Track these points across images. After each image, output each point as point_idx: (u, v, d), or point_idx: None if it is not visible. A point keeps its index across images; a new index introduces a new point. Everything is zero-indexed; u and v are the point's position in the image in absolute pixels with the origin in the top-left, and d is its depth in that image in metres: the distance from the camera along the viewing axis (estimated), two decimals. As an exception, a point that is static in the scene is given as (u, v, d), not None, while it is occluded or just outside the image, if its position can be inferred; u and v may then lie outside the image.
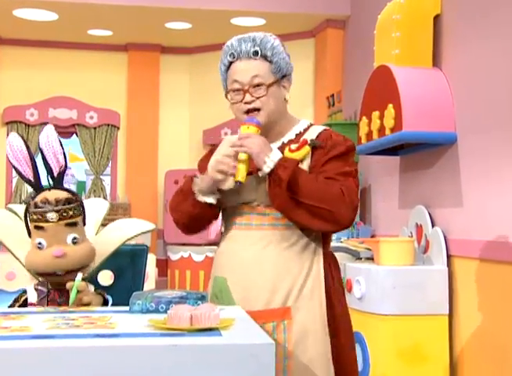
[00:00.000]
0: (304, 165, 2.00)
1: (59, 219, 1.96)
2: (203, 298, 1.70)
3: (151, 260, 5.44)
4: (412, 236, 3.95)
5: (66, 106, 7.12)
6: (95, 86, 7.19)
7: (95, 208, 2.27)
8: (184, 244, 6.63)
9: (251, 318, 1.63)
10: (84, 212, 2.05)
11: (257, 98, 2.00)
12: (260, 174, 1.96)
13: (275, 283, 1.95)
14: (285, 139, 2.08)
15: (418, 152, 3.99)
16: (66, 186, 2.10)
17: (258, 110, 2.01)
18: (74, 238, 1.99)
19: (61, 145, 2.05)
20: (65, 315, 1.67)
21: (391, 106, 3.64)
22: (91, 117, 7.18)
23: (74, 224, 1.99)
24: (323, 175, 1.96)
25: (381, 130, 3.79)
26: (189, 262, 6.60)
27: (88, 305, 1.91)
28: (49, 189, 2.02)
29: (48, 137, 2.03)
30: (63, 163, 2.04)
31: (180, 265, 6.66)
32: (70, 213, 1.97)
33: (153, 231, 2.60)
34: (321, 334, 1.95)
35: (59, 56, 7.11)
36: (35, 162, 2.04)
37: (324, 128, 2.10)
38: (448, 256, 3.60)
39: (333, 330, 1.98)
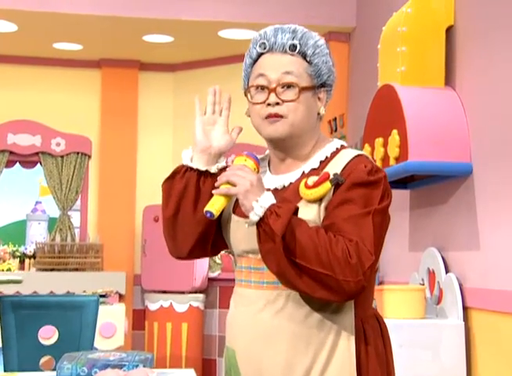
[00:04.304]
0: (323, 207, 1.82)
1: None
2: (146, 362, 1.63)
3: (120, 310, 5.37)
4: (423, 284, 3.89)
5: (29, 132, 7.09)
6: (62, 108, 7.17)
7: None
8: (164, 292, 6.57)
9: None
10: None
11: (284, 101, 1.85)
12: (246, 223, 1.77)
13: (290, 362, 1.80)
14: (306, 168, 1.91)
15: (429, 185, 3.95)
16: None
17: (281, 117, 1.85)
18: None
19: None
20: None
21: (395, 132, 3.62)
22: (58, 144, 7.15)
23: None
24: (330, 222, 1.78)
25: (385, 159, 3.76)
26: (169, 313, 6.54)
27: None
28: None
29: None
30: None
31: (159, 317, 6.59)
32: None
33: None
34: None
35: (19, 73, 7.11)
36: None
37: (357, 153, 1.89)
38: (465, 308, 3.54)
39: None
